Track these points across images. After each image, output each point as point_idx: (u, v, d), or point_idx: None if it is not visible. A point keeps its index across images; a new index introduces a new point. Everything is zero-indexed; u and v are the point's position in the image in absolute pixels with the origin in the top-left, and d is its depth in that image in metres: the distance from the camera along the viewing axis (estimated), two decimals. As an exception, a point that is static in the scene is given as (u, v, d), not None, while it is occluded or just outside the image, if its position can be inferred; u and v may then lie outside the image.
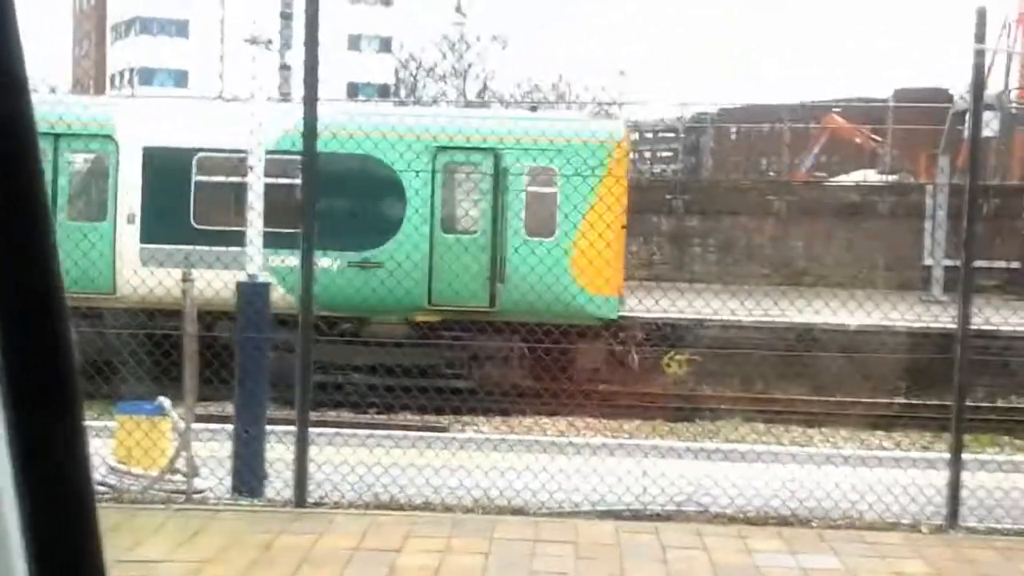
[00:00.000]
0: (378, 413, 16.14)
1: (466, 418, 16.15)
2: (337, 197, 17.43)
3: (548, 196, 17.65)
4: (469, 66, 55.95)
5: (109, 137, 17.84)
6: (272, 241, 17.43)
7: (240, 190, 17.84)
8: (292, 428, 8.65)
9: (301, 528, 7.88)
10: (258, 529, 7.83)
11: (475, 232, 17.81)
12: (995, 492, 9.08)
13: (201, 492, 8.71)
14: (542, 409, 15.54)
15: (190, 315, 8.78)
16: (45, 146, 17.97)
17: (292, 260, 17.10)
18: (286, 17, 25.71)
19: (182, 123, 17.97)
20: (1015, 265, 32.02)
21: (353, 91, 62.92)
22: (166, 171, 17.73)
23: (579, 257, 16.77)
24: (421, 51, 61.14)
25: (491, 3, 77.85)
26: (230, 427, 9.07)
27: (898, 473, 9.60)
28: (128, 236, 17.72)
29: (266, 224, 17.30)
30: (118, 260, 17.63)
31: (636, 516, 8.62)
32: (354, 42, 71.58)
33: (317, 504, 8.53)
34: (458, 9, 47.72)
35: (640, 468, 9.62)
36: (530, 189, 17.76)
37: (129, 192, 17.81)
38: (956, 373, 8.83)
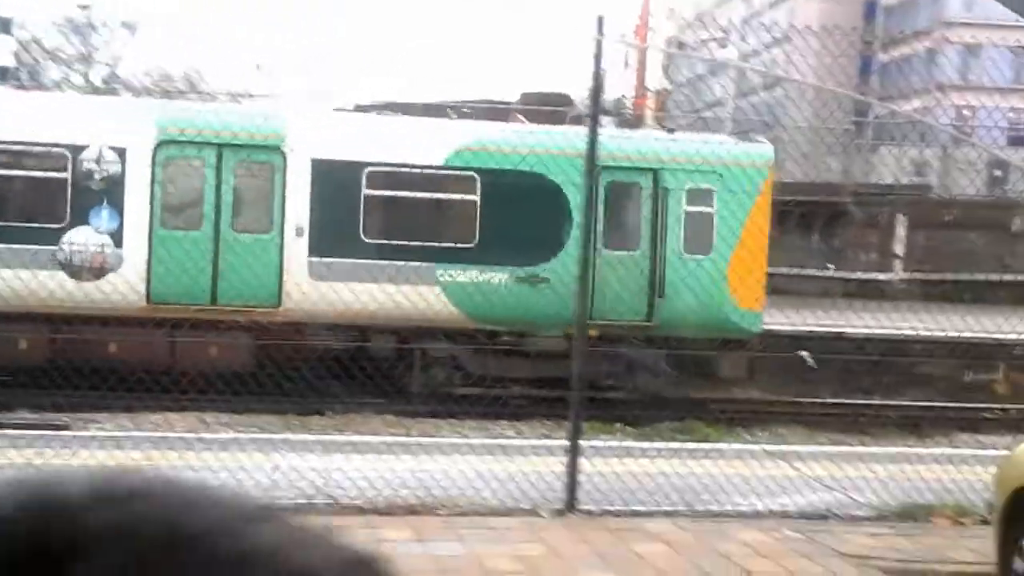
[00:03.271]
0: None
1: (88, 415, 15.54)
2: (507, 213, 17.50)
3: (705, 215, 17.98)
4: (96, 51, 53.73)
5: (277, 148, 16.91)
6: (440, 255, 17.39)
7: (409, 204, 17.64)
8: None
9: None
10: None
11: (635, 249, 17.99)
12: (609, 477, 9.63)
13: None
14: (171, 405, 15.16)
15: None
16: (208, 155, 16.86)
17: (460, 275, 17.19)
18: None
19: (352, 136, 17.31)
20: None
21: (-34, 72, 59.07)
22: (336, 184, 16.99)
23: (733, 273, 17.55)
24: (44, 33, 58.18)
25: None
26: None
27: (521, 460, 10.02)
28: (296, 249, 16.85)
29: (434, 239, 17.43)
30: (285, 273, 16.73)
31: (266, 510, 8.58)
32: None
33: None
34: (84, -10, 45.80)
35: (271, 462, 9.61)
36: (688, 208, 18.01)
37: (297, 204, 16.93)
38: (574, 364, 9.29)
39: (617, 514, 9.07)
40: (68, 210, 16.44)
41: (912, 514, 9.55)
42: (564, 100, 22.72)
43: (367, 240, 17.25)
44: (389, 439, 11.77)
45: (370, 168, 17.35)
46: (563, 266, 17.24)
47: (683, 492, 9.57)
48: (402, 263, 16.80)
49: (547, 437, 13.28)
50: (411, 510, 8.85)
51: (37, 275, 15.61)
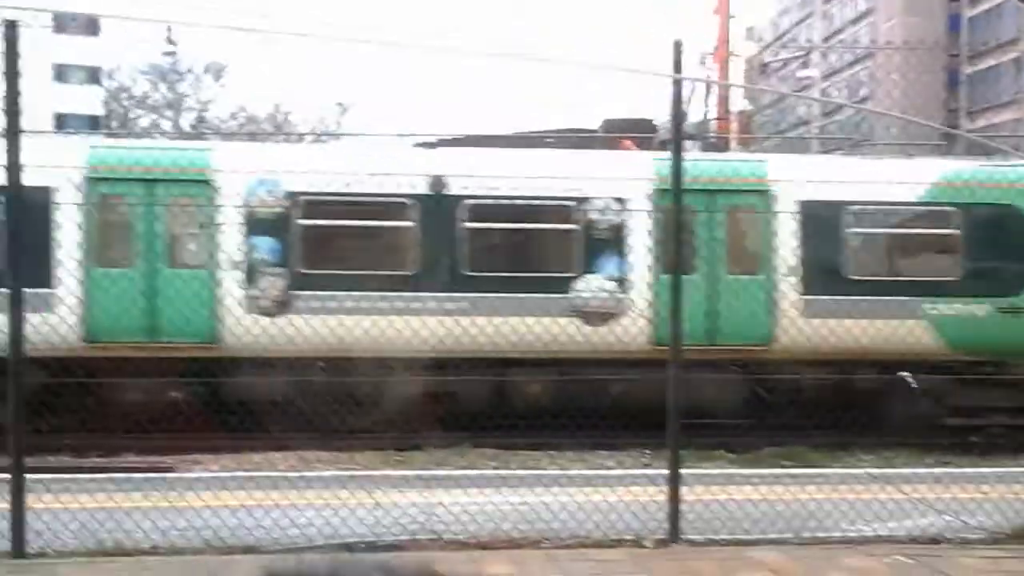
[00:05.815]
0: (99, 456, 15.57)
1: (191, 457, 15.74)
2: (986, 245, 18.29)
3: None
4: (184, 97, 54.75)
5: (765, 192, 17.90)
6: (927, 289, 18.18)
7: (891, 240, 18.50)
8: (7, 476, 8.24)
9: (21, 580, 7.53)
10: (-26, 584, 7.45)
11: None
12: (712, 505, 9.52)
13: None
14: (272, 444, 15.32)
15: None
16: (699, 200, 17.24)
17: (945, 308, 17.99)
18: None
19: (831, 177, 18.14)
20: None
21: (61, 122, 60.47)
22: (821, 224, 17.95)
23: None
24: (132, 82, 59.43)
25: (204, 34, 76.36)
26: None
27: (622, 491, 9.95)
28: (788, 288, 17.88)
29: (921, 274, 18.28)
30: (776, 311, 17.65)
31: (370, 547, 8.61)
32: (61, 72, 68.79)
33: (39, 554, 8.16)
34: (168, 39, 46.65)
35: (372, 499, 9.64)
36: None
37: (787, 244, 17.88)
38: (670, 392, 9.20)
39: (722, 543, 8.96)
40: (578, 259, 17.55)
41: (1026, 536, 9.32)
42: (647, 126, 22.67)
43: (853, 277, 17.92)
44: (489, 472, 11.76)
45: (852, 207, 18.05)
46: None
47: (788, 519, 9.43)
48: (884, 297, 17.50)
49: (648, 467, 13.21)
50: (513, 543, 8.81)
51: (553, 322, 16.86)
